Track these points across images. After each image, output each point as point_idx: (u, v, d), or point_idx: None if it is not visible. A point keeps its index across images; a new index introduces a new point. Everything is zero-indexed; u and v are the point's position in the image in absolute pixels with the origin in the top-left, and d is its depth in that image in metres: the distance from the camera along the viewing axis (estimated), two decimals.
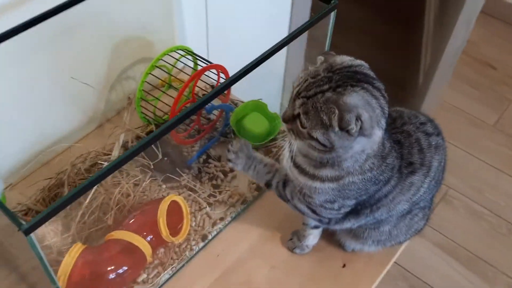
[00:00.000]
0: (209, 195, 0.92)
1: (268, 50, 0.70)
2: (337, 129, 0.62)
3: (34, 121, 0.90)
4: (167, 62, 0.95)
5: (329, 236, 0.88)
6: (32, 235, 0.50)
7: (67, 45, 0.87)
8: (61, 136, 0.95)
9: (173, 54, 0.96)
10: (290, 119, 0.66)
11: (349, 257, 0.87)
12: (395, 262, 1.51)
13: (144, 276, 0.81)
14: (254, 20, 1.15)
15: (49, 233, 0.82)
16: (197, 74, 0.87)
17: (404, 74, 1.64)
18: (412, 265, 1.60)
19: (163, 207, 0.80)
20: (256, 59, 0.69)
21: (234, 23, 1.10)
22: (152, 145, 0.88)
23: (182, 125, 0.98)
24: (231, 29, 1.10)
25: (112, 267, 0.77)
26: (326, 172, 0.68)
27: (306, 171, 0.70)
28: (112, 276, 0.77)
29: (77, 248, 0.75)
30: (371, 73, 0.65)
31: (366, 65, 0.65)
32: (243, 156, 0.81)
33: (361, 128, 0.62)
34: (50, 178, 0.89)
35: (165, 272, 0.82)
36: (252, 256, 0.86)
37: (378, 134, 0.65)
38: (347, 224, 0.78)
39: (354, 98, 0.61)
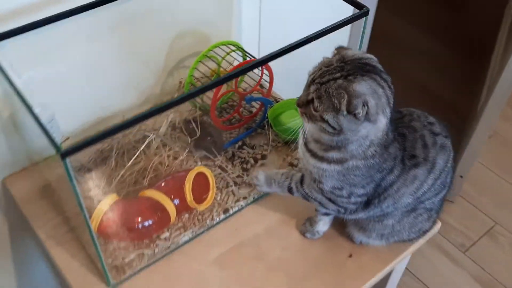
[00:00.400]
0: (237, 176, 1.01)
1: (300, 40, 0.78)
2: (345, 112, 0.69)
3: (98, 92, 1.04)
4: (218, 55, 1.06)
5: (340, 228, 0.93)
6: (67, 160, 0.62)
7: (134, 31, 1.01)
8: (119, 110, 1.08)
9: (226, 49, 1.07)
10: (304, 103, 0.73)
11: (357, 249, 0.92)
12: (423, 283, 1.52)
13: (167, 234, 0.91)
14: (307, 27, 1.24)
15: (93, 188, 0.95)
16: (240, 65, 0.98)
17: (460, 100, 1.66)
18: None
19: (191, 175, 0.90)
20: (286, 46, 0.77)
21: (286, 27, 1.20)
22: (193, 124, 1.00)
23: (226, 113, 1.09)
24: (283, 33, 1.20)
25: (139, 219, 0.87)
26: (333, 154, 0.75)
27: (316, 154, 0.78)
28: (138, 226, 0.87)
29: (112, 198, 0.87)
30: (380, 66, 0.72)
31: (375, 58, 0.73)
32: (263, 178, 0.91)
33: (367, 113, 0.69)
34: (104, 143, 1.02)
35: (186, 234, 0.92)
36: (267, 235, 0.94)
37: (382, 121, 0.71)
38: (360, 214, 0.84)
39: (363, 86, 0.69)
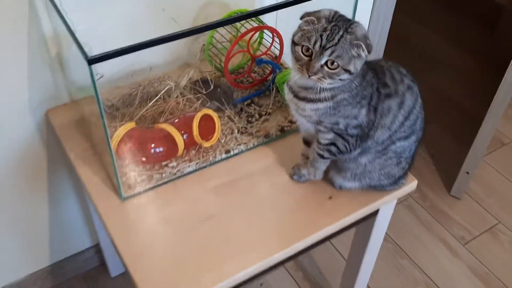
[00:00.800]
0: (242, 126, 1.15)
1: None
2: (364, 55, 0.83)
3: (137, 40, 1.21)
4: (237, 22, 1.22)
5: (325, 175, 1.06)
6: (92, 67, 0.79)
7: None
8: (148, 64, 1.25)
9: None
10: (319, 69, 0.85)
11: (336, 193, 1.05)
12: (421, 270, 1.61)
13: (174, 163, 1.07)
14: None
15: (118, 122, 1.12)
16: (252, 29, 1.13)
17: (470, 102, 1.74)
18: (438, 276, 1.66)
19: (199, 114, 1.06)
20: (278, 3, 0.92)
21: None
22: (208, 77, 1.16)
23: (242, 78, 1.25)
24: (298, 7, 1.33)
25: (152, 145, 1.03)
26: (325, 94, 0.88)
27: (310, 99, 0.90)
28: (150, 151, 1.03)
29: (131, 125, 1.03)
30: None
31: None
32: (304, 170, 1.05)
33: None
34: (132, 88, 1.20)
35: (191, 165, 1.07)
36: (260, 174, 1.08)
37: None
38: (357, 150, 0.96)
39: (362, 29, 0.84)
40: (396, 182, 1.03)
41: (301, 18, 0.88)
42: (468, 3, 2.84)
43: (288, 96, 0.95)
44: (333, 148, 0.97)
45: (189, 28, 0.87)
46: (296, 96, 0.93)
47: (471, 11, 2.82)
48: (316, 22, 0.85)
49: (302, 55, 0.86)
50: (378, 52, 1.79)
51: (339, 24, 0.84)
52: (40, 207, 1.40)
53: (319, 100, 0.89)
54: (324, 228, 0.99)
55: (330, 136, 0.95)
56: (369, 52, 0.84)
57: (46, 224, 1.45)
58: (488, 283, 1.65)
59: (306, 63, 0.85)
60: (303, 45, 0.86)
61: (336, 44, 0.83)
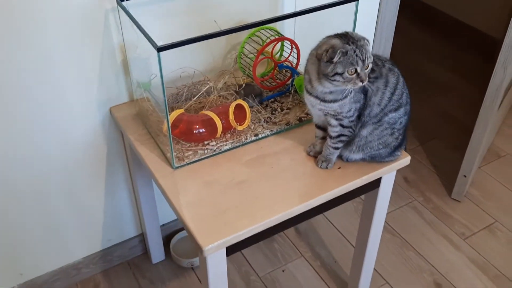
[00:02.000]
0: (267, 117, 1.43)
1: (298, 11, 1.22)
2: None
3: (184, 53, 1.50)
4: (264, 35, 1.52)
5: None
6: (160, 53, 1.08)
7: (214, 17, 1.48)
8: (199, 69, 1.54)
9: (267, 32, 1.53)
10: (366, 75, 1.11)
11: (345, 165, 1.30)
12: (426, 260, 1.83)
13: (214, 143, 1.34)
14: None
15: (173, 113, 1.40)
16: (274, 40, 1.43)
17: (469, 120, 1.99)
18: (441, 265, 1.87)
19: (233, 103, 1.34)
20: (286, 14, 1.22)
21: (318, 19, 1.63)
22: (242, 82, 1.44)
23: (267, 81, 1.54)
24: (315, 23, 1.62)
25: (197, 126, 1.31)
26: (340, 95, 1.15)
27: (337, 99, 1.16)
28: (195, 131, 1.31)
29: (181, 110, 1.32)
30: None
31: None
32: (324, 158, 1.28)
33: None
34: (179, 89, 1.49)
35: (227, 144, 1.34)
36: (282, 152, 1.34)
37: None
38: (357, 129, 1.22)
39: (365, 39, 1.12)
40: (392, 153, 1.28)
41: (326, 55, 1.08)
42: (468, 37, 3.14)
43: (309, 100, 1.20)
44: (343, 138, 1.24)
45: (221, 30, 1.16)
46: (323, 100, 1.17)
47: (472, 43, 3.12)
48: (344, 52, 1.07)
49: (349, 76, 1.08)
50: None
51: (356, 42, 1.09)
52: (97, 195, 1.67)
53: (345, 97, 1.15)
54: (334, 189, 1.24)
55: (338, 128, 1.22)
56: None
57: (101, 211, 1.72)
58: (486, 271, 1.84)
59: (355, 78, 1.09)
60: (349, 70, 1.07)
61: (366, 54, 1.09)
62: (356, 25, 1.83)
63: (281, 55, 1.57)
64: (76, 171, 1.57)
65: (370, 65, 1.10)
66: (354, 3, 1.28)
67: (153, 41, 1.09)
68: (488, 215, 2.06)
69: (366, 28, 1.89)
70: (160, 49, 1.08)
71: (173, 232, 1.94)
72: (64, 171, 1.54)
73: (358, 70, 1.09)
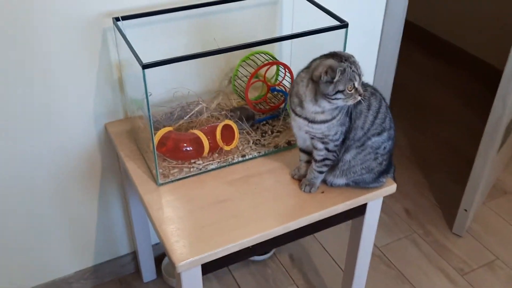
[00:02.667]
0: (257, 139, 1.44)
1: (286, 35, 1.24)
2: None
3: (177, 74, 1.53)
4: (258, 59, 1.54)
5: None
6: (145, 71, 1.10)
7: (208, 39, 1.51)
8: (187, 89, 1.56)
9: (262, 57, 1.55)
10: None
11: (328, 189, 1.30)
12: None
13: (200, 162, 1.35)
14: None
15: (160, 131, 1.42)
16: (267, 64, 1.45)
17: (474, 152, 1.96)
18: None
19: (222, 123, 1.35)
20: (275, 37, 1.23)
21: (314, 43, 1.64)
22: (234, 104, 1.46)
23: (261, 103, 1.55)
24: (310, 48, 1.63)
25: (184, 144, 1.33)
26: (328, 116, 1.16)
27: (325, 120, 1.16)
28: (182, 149, 1.33)
29: (168, 128, 1.34)
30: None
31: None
32: (308, 182, 1.29)
33: None
34: (173, 108, 1.51)
35: (213, 164, 1.35)
36: (268, 173, 1.34)
37: None
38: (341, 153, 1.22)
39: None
40: (377, 180, 1.27)
41: (326, 75, 1.09)
42: (475, 67, 3.12)
43: (297, 122, 1.20)
44: (327, 162, 1.25)
45: (208, 51, 1.18)
46: (312, 121, 1.17)
47: (478, 73, 3.10)
48: (343, 70, 1.09)
49: (349, 92, 1.10)
50: None
51: (348, 59, 1.11)
52: (90, 210, 1.70)
53: (334, 118, 1.16)
54: (314, 213, 1.23)
55: (323, 152, 1.22)
56: None
57: (93, 226, 1.74)
58: None
59: (353, 93, 1.11)
60: (348, 86, 1.10)
61: (359, 69, 1.12)
62: (357, 53, 1.86)
63: (276, 79, 1.59)
64: (69, 184, 1.59)
65: (362, 79, 1.13)
66: (344, 29, 1.29)
67: (139, 59, 1.12)
68: (489, 251, 2.01)
69: (367, 56, 1.90)
70: (144, 66, 1.11)
71: (165, 252, 1.94)
72: (57, 183, 1.57)
73: (356, 85, 1.11)
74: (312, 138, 1.23)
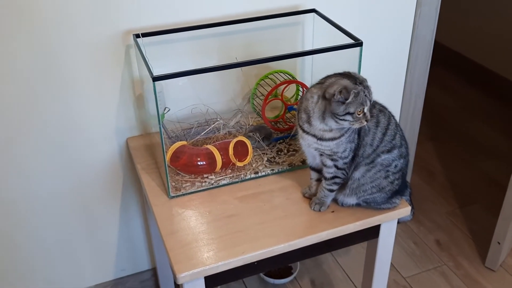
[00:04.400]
0: (272, 157, 1.44)
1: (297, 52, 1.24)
2: None
3: (199, 91, 1.56)
4: (277, 78, 1.55)
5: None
6: (156, 83, 1.13)
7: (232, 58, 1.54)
8: (206, 106, 1.58)
9: (281, 76, 1.56)
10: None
11: (339, 209, 1.27)
12: None
13: (213, 177, 1.36)
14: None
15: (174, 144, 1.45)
16: (284, 82, 1.46)
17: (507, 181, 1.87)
18: None
19: (235, 139, 1.36)
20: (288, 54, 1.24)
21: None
22: (251, 122, 1.47)
23: (279, 122, 1.55)
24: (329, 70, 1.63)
25: (198, 159, 1.34)
26: (336, 133, 1.15)
27: (333, 138, 1.16)
28: (195, 163, 1.34)
29: (182, 142, 1.36)
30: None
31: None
32: (318, 200, 1.27)
33: None
34: (192, 124, 1.54)
35: (225, 179, 1.35)
36: (279, 190, 1.33)
37: None
38: (350, 171, 1.20)
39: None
40: (389, 200, 1.23)
41: (340, 95, 1.08)
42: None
43: (306, 139, 1.20)
44: (337, 180, 1.23)
45: (218, 65, 1.20)
46: (321, 139, 1.17)
47: None
48: (357, 93, 1.09)
49: (358, 115, 1.09)
50: (413, 129, 2.01)
51: (363, 83, 1.11)
52: (112, 223, 1.73)
53: (343, 135, 1.15)
54: (322, 232, 1.21)
55: (333, 170, 1.21)
56: None
57: (115, 240, 1.77)
58: None
59: (361, 117, 1.10)
60: (358, 110, 1.09)
61: (371, 95, 1.12)
62: (384, 76, 1.84)
63: (296, 98, 1.59)
64: (91, 197, 1.63)
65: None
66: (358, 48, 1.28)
67: (151, 72, 1.15)
68: None
69: (394, 80, 1.87)
70: (155, 79, 1.14)
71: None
72: (79, 197, 1.61)
73: (365, 110, 1.10)
74: (321, 155, 1.21)
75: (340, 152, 1.17)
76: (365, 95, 1.09)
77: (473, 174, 2.50)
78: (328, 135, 1.16)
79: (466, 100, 3.16)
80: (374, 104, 1.18)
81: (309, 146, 1.21)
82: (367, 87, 1.11)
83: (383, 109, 1.19)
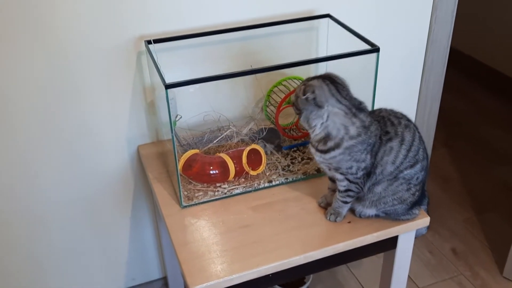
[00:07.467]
0: (286, 165, 1.40)
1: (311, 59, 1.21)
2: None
3: (210, 98, 1.53)
4: (290, 85, 1.52)
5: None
6: (168, 90, 1.11)
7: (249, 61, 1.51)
8: (218, 114, 1.56)
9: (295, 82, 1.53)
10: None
11: (356, 219, 1.23)
12: None
13: (226, 186, 1.33)
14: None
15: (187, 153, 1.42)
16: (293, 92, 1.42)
17: None
18: None
19: (248, 147, 1.33)
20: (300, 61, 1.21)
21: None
22: (263, 129, 1.44)
23: (291, 130, 1.52)
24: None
25: (210, 167, 1.31)
26: (329, 143, 1.12)
27: (323, 150, 1.13)
28: (208, 172, 1.31)
29: (195, 150, 1.33)
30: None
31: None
32: (333, 211, 1.24)
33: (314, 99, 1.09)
34: (204, 132, 1.51)
35: (238, 188, 1.32)
36: (293, 201, 1.30)
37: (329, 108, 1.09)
38: (366, 185, 1.16)
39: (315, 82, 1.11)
40: (409, 211, 1.20)
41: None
42: None
43: (312, 153, 1.19)
44: (350, 193, 1.19)
45: (230, 73, 1.17)
46: (320, 151, 1.15)
47: None
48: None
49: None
50: (429, 135, 1.97)
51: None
52: (122, 232, 1.70)
53: (330, 149, 1.12)
54: (339, 243, 1.17)
55: (345, 183, 1.17)
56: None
57: (125, 249, 1.74)
58: None
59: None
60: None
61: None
62: (400, 81, 1.80)
63: None
64: (102, 205, 1.61)
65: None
66: (375, 54, 1.25)
67: (163, 79, 1.13)
68: None
69: (409, 85, 1.83)
70: (167, 86, 1.11)
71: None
72: (90, 204, 1.59)
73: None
74: (329, 169, 1.19)
75: (344, 168, 1.14)
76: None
77: (489, 181, 2.45)
78: (321, 147, 1.14)
79: (481, 105, 3.11)
80: (399, 121, 1.14)
81: (317, 160, 1.19)
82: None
83: (408, 124, 1.15)
